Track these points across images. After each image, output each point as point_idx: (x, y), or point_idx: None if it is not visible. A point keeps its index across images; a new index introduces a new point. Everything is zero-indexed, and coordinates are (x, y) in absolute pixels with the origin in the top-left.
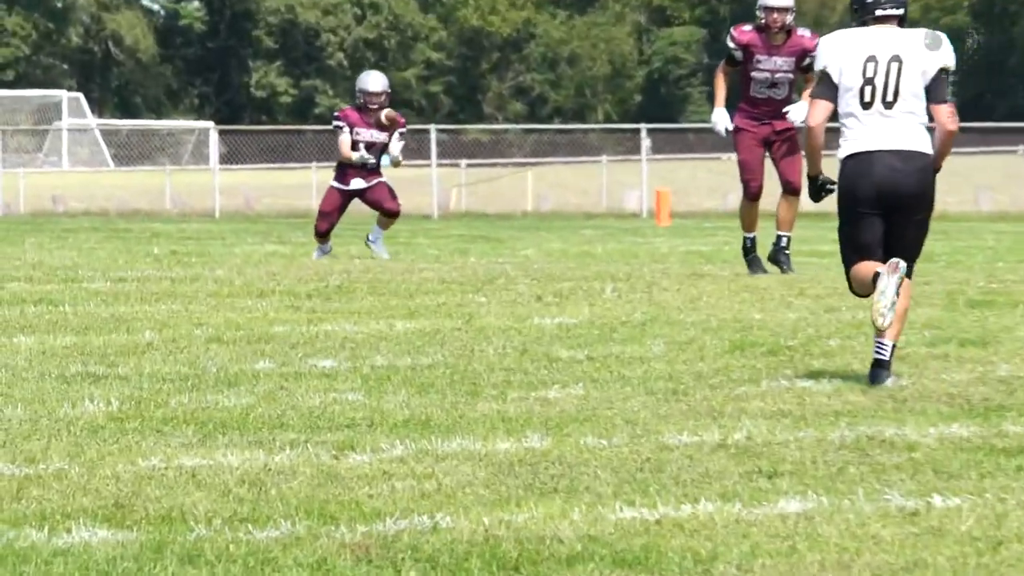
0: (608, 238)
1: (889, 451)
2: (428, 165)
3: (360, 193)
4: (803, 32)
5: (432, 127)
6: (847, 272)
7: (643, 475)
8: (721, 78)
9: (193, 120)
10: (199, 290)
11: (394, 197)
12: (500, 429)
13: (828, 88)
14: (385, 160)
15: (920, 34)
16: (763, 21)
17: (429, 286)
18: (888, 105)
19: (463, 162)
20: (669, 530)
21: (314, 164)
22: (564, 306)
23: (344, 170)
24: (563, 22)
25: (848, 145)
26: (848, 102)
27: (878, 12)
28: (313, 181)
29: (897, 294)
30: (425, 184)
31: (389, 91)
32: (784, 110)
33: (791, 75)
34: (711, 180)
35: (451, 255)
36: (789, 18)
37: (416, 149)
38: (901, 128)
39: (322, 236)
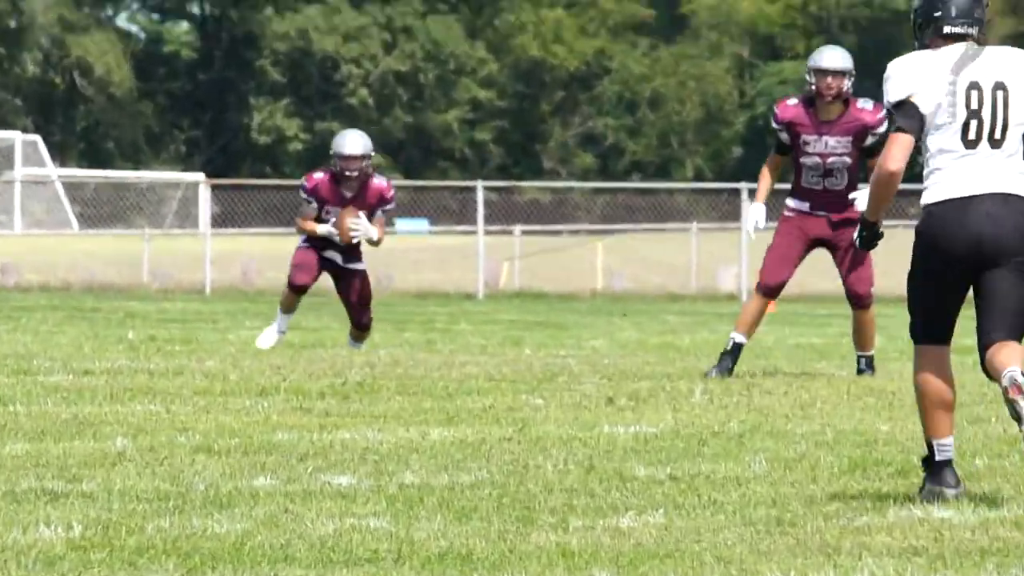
0: (698, 326)
1: None
2: (473, 232)
3: (334, 269)
4: (864, 104)
5: (479, 184)
6: (914, 342)
7: None
8: (767, 171)
9: (179, 172)
10: (184, 386)
11: (366, 304)
12: (559, 566)
13: (912, 119)
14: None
15: (1018, 54)
16: (813, 87)
17: (473, 384)
18: (996, 143)
19: (517, 228)
20: None
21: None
22: (641, 411)
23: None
24: (645, 54)
25: (939, 189)
26: (946, 139)
27: (946, 29)
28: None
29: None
30: (469, 255)
31: (371, 154)
32: (851, 197)
33: (848, 159)
34: (827, 256)
35: (501, 345)
36: (847, 84)
37: (458, 211)
38: (1005, 169)
39: (297, 291)
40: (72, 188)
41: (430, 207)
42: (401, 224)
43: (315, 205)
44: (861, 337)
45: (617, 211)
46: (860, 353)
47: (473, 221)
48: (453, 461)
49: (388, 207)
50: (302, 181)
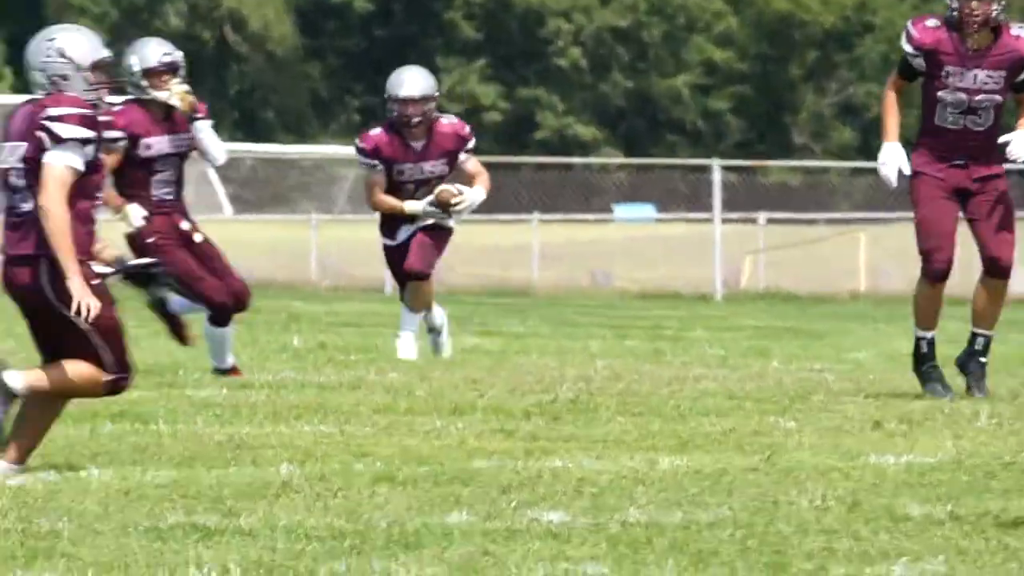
0: None
1: None
2: (709, 220)
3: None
4: (1019, 31)
5: (715, 163)
6: None
7: None
8: (893, 99)
9: (352, 146)
10: (361, 403)
11: (427, 252)
12: None
13: None
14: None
15: None
16: (955, 14)
17: (710, 403)
18: None
19: (761, 216)
20: None
21: (535, 216)
22: (915, 438)
23: (389, 218)
24: (915, 6)
25: None
26: None
27: None
28: (535, 239)
29: None
30: (704, 247)
31: (436, 95)
32: (1002, 140)
33: (998, 96)
34: None
35: (743, 356)
36: (995, 9)
37: (690, 195)
38: None
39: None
40: (224, 166)
41: (656, 190)
42: (621, 210)
43: (381, 167)
44: (984, 311)
45: (882, 196)
46: (977, 330)
47: (708, 207)
48: (687, 495)
49: (470, 146)
50: (356, 143)
